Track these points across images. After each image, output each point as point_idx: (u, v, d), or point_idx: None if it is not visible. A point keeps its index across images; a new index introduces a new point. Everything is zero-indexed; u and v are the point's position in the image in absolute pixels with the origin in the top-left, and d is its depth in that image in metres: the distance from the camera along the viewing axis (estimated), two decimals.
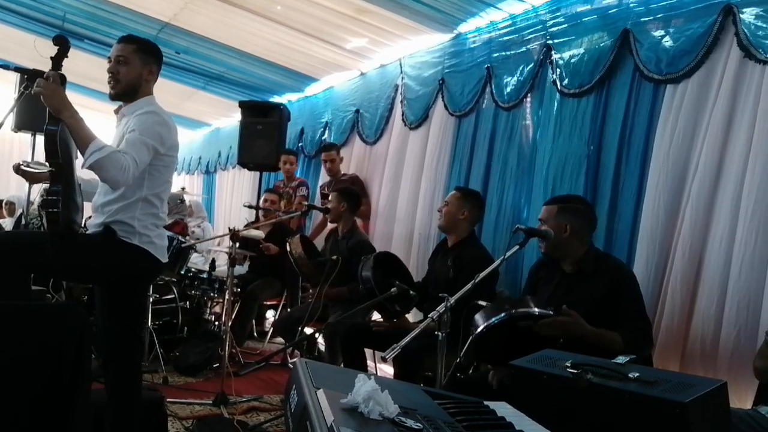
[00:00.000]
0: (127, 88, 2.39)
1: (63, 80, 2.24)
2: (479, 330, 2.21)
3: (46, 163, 2.27)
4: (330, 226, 4.96)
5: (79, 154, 2.25)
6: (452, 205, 3.38)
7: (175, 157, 2.48)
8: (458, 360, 2.41)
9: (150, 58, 2.45)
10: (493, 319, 2.22)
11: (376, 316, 3.88)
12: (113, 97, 2.43)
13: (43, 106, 2.16)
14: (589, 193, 3.15)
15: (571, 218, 2.60)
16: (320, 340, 4.23)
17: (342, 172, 5.31)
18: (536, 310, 2.29)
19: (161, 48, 2.54)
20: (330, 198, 4.34)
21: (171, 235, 4.11)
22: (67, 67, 2.28)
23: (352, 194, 4.44)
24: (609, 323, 2.40)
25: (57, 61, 2.24)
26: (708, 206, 2.67)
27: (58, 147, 2.18)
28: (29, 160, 2.59)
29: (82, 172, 2.37)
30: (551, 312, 2.30)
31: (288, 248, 4.21)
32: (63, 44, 2.25)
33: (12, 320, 1.98)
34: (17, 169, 2.52)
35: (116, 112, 2.53)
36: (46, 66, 2.26)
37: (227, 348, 3.71)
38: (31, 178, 2.52)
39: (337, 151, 5.30)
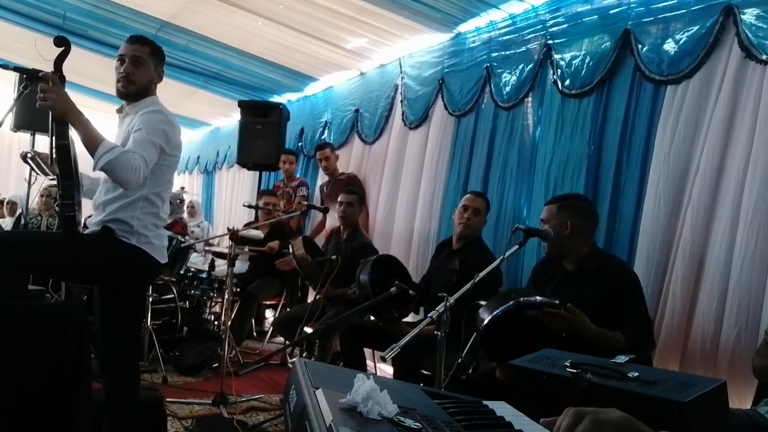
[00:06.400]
0: (140, 90, 2.40)
1: (62, 81, 2.19)
2: (487, 321, 2.20)
3: (56, 169, 2.24)
4: (329, 226, 4.94)
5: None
6: (481, 213, 3.37)
7: (178, 157, 2.48)
8: (460, 360, 2.41)
9: (160, 61, 2.47)
10: (501, 309, 2.21)
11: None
12: (123, 97, 2.42)
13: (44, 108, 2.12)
14: (589, 193, 3.15)
15: (572, 215, 2.60)
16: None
17: (340, 171, 5.31)
18: (539, 298, 2.29)
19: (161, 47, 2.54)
20: (342, 199, 4.33)
21: (170, 234, 4.10)
22: (66, 65, 2.23)
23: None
24: (611, 322, 2.39)
25: (58, 63, 2.19)
26: (709, 206, 2.67)
27: (72, 160, 2.14)
28: (35, 150, 2.57)
29: (86, 169, 2.36)
30: (557, 302, 2.30)
31: (290, 249, 4.21)
32: (65, 45, 2.20)
33: (12, 320, 1.97)
34: (24, 157, 2.50)
35: (119, 111, 2.52)
36: (44, 65, 2.22)
37: (227, 348, 3.71)
38: (38, 170, 2.50)
39: (330, 149, 5.29)
